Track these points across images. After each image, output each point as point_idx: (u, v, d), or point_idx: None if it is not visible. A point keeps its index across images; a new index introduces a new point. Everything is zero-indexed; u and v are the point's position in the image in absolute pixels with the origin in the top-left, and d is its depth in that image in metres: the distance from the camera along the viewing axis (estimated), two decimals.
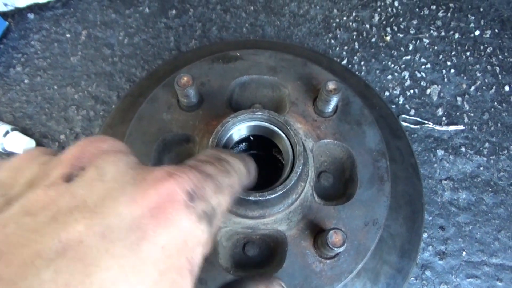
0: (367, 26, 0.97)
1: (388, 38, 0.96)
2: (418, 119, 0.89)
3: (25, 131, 0.85)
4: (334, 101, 0.58)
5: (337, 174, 0.60)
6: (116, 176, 0.23)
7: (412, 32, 0.97)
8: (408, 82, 0.92)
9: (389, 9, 0.99)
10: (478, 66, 0.94)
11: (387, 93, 0.91)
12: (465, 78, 0.93)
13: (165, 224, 0.22)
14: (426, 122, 0.88)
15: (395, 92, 0.91)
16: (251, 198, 0.48)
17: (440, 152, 0.86)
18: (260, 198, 0.48)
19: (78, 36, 0.95)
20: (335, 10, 0.99)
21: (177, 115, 0.60)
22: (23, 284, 0.18)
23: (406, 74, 0.93)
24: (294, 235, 0.53)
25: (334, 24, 0.97)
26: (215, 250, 0.52)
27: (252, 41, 0.93)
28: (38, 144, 0.85)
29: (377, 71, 0.93)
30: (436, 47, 0.96)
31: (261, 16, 0.98)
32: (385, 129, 0.68)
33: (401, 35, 0.97)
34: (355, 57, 0.94)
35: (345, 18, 0.98)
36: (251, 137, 0.57)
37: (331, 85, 0.56)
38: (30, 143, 0.83)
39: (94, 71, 0.92)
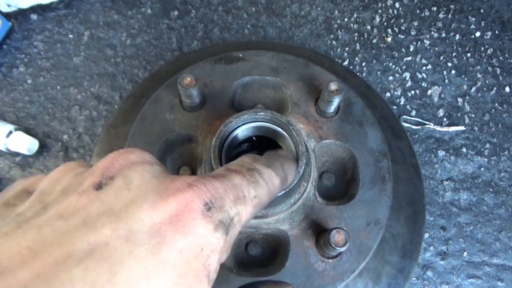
0: (368, 27, 0.98)
1: (389, 39, 0.97)
2: (419, 120, 0.89)
3: (28, 131, 0.85)
4: (336, 101, 0.58)
5: (339, 174, 0.60)
6: (141, 185, 0.25)
7: (413, 33, 0.97)
8: (409, 83, 0.93)
9: (390, 11, 0.99)
10: (478, 67, 0.94)
11: (388, 94, 0.92)
12: (466, 79, 0.93)
13: (182, 230, 0.23)
14: (427, 123, 0.89)
15: (396, 93, 0.92)
16: None
17: (441, 153, 0.87)
18: None
19: (80, 36, 0.95)
20: (336, 12, 0.99)
21: (180, 116, 0.60)
22: (56, 280, 0.19)
23: (407, 75, 0.93)
24: (296, 235, 0.53)
25: (336, 25, 0.98)
26: None
27: (254, 42, 0.93)
28: (41, 144, 0.85)
29: (378, 72, 0.94)
30: (437, 48, 0.96)
31: (263, 17, 0.98)
32: (386, 129, 0.68)
33: (402, 36, 0.97)
34: (357, 58, 0.95)
35: (346, 19, 0.98)
36: (254, 138, 0.57)
37: (333, 86, 0.56)
38: (33, 143, 0.83)
39: (96, 71, 0.92)
